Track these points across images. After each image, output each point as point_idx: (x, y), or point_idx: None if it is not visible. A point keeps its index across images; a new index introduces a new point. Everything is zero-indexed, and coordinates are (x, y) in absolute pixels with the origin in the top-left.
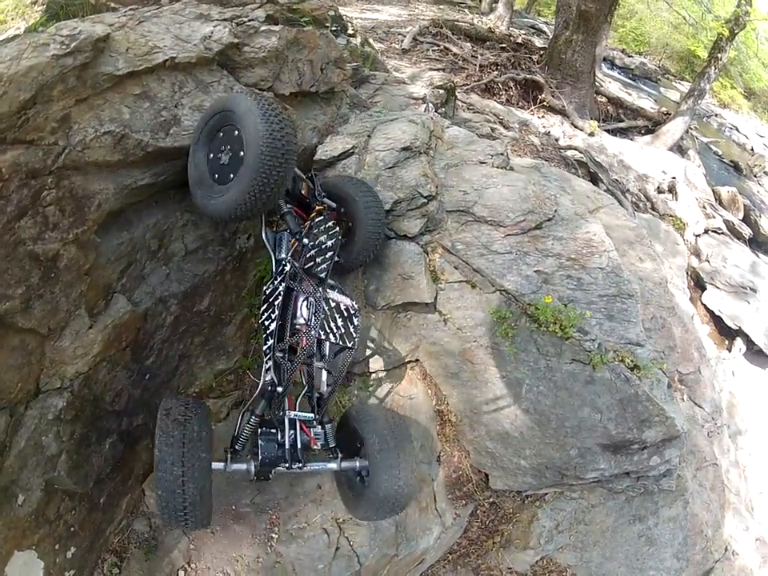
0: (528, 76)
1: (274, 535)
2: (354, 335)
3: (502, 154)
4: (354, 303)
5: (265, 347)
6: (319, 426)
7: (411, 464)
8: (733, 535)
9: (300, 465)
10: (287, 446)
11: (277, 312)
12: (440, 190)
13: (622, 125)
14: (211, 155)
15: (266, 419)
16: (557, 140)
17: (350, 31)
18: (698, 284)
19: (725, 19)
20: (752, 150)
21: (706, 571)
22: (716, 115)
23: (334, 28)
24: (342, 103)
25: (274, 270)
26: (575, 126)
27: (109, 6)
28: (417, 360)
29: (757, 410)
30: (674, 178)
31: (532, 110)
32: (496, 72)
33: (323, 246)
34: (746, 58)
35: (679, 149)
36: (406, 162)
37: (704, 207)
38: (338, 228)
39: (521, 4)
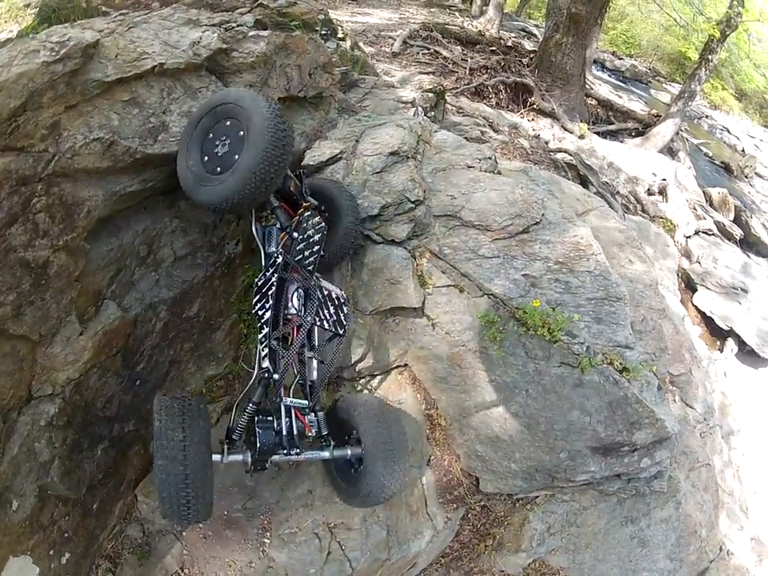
0: (518, 79)
1: (266, 540)
2: (345, 323)
3: (490, 158)
4: (343, 293)
5: (260, 335)
6: (313, 414)
7: (405, 449)
8: (728, 535)
9: (298, 451)
10: (284, 433)
11: (271, 301)
12: (428, 195)
13: (612, 127)
14: (206, 145)
15: (262, 408)
16: (547, 143)
17: (340, 35)
18: (689, 285)
19: (716, 21)
20: (743, 151)
21: (701, 571)
22: (707, 117)
23: (323, 32)
24: (330, 108)
25: (264, 263)
26: (565, 129)
27: (100, 9)
28: (405, 364)
29: (749, 410)
30: (664, 179)
31: (522, 113)
32: (486, 75)
33: (311, 240)
34: (738, 59)
35: (669, 151)
36: (394, 166)
37: (694, 209)
38: (324, 224)
39: (511, 7)
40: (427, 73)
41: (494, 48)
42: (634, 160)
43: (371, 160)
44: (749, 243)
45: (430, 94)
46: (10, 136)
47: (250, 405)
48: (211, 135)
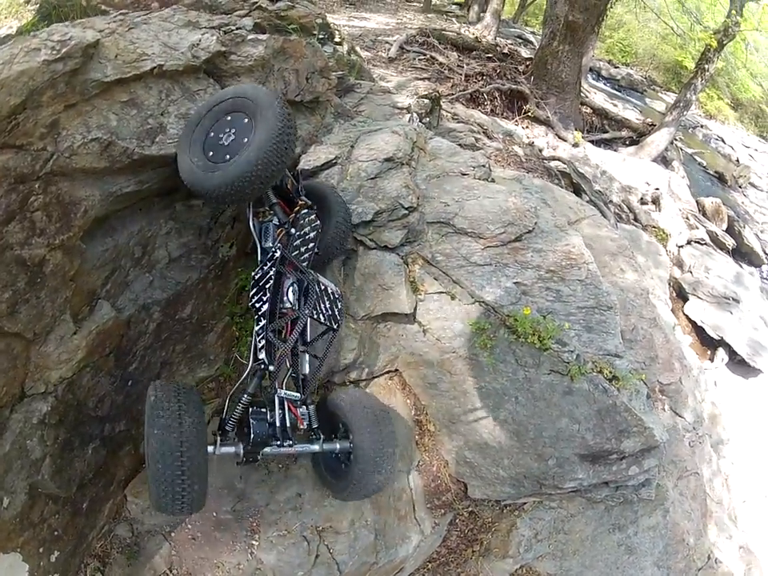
0: (513, 86)
1: (254, 542)
2: (339, 318)
3: (483, 166)
4: (337, 289)
5: (257, 328)
6: (304, 407)
7: (393, 444)
8: (716, 543)
9: (291, 443)
10: (278, 425)
11: (268, 294)
12: (421, 202)
13: (606, 136)
14: (212, 134)
15: (256, 400)
16: (541, 151)
17: (337, 39)
18: (680, 295)
19: (714, 30)
20: (737, 160)
21: None
22: (702, 126)
23: (321, 36)
24: (326, 113)
25: (260, 257)
26: (559, 137)
27: (100, 8)
28: (396, 370)
29: (739, 420)
30: (657, 189)
31: (517, 121)
32: (481, 82)
33: (307, 237)
34: (734, 68)
35: (663, 160)
36: (388, 172)
37: (687, 218)
38: (319, 221)
39: (508, 14)
40: (423, 79)
41: (490, 55)
42: (628, 169)
43: (366, 166)
44: (741, 253)
45: (426, 100)
46: (10, 134)
47: (245, 396)
48: (212, 134)
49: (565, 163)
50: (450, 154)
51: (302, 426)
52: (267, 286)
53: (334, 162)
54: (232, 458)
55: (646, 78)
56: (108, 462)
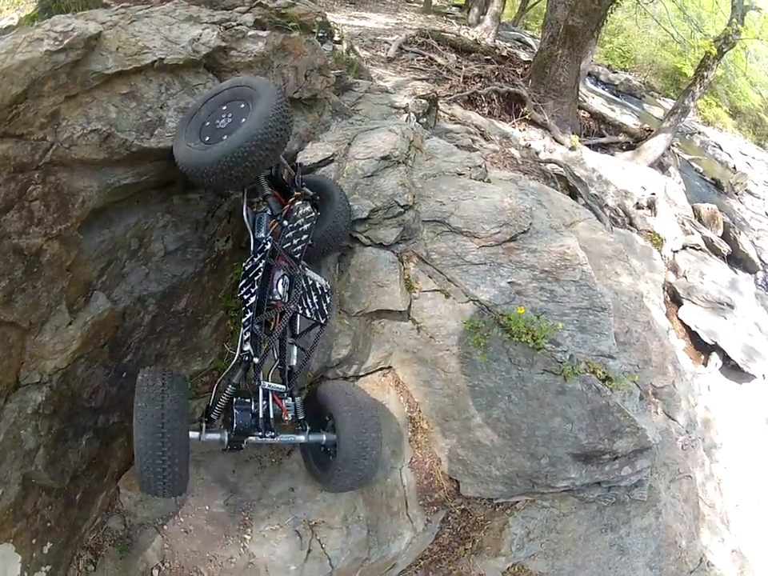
0: (511, 89)
1: (246, 536)
2: (327, 313)
3: (480, 166)
4: (327, 283)
5: (244, 319)
6: (290, 399)
7: (378, 438)
8: (708, 547)
9: (273, 434)
10: (261, 416)
11: (257, 287)
12: (417, 200)
13: (603, 140)
14: (208, 123)
15: (241, 390)
16: (537, 153)
17: (337, 38)
18: (675, 299)
19: (714, 38)
20: (734, 168)
21: None
22: (699, 133)
23: (320, 34)
24: (324, 110)
25: (252, 248)
26: (556, 140)
27: (100, 1)
28: (390, 367)
29: (732, 425)
30: (653, 194)
31: (514, 123)
32: (479, 84)
33: (300, 229)
34: (734, 76)
35: (660, 165)
36: (385, 171)
37: (683, 224)
38: (313, 213)
39: (508, 17)
40: (421, 79)
41: (488, 57)
42: (624, 173)
43: (362, 163)
44: (736, 259)
45: (423, 101)
46: (10, 123)
47: (230, 386)
48: (208, 123)
49: (561, 166)
50: (446, 153)
51: (286, 418)
52: (256, 278)
53: (330, 159)
54: (217, 444)
55: (644, 84)
56: (101, 453)
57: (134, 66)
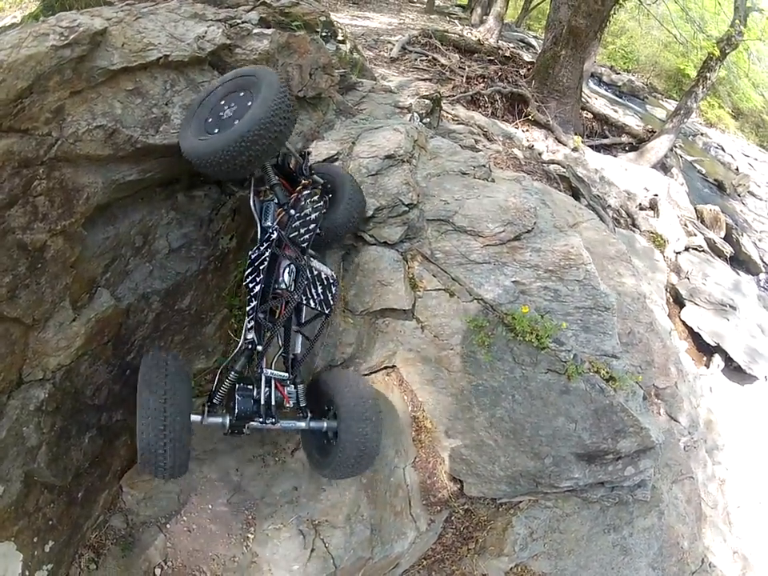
0: (514, 89)
1: (250, 535)
2: (332, 303)
3: (484, 166)
4: (332, 273)
5: (248, 308)
6: (292, 386)
7: (379, 428)
8: (710, 548)
9: (273, 421)
10: (262, 402)
11: (262, 276)
12: (421, 199)
13: (606, 141)
14: (212, 115)
15: (244, 376)
16: (540, 154)
17: (340, 37)
18: (677, 300)
19: (717, 39)
20: (737, 169)
21: None
22: (702, 134)
23: (324, 33)
24: (328, 109)
25: (259, 236)
26: (559, 141)
27: None
28: (394, 366)
29: (734, 426)
30: (656, 195)
31: (517, 124)
32: (483, 84)
33: (307, 218)
34: (736, 77)
35: (663, 167)
36: (389, 169)
37: (685, 225)
38: (322, 202)
39: (511, 17)
40: (424, 79)
41: (492, 57)
42: (627, 174)
43: (367, 162)
44: (739, 261)
45: (427, 101)
46: (15, 117)
47: (232, 373)
48: (212, 115)
49: (564, 167)
50: (450, 153)
51: (287, 405)
52: (261, 267)
53: (335, 157)
54: (219, 428)
55: (647, 85)
56: (104, 451)
57: (140, 63)
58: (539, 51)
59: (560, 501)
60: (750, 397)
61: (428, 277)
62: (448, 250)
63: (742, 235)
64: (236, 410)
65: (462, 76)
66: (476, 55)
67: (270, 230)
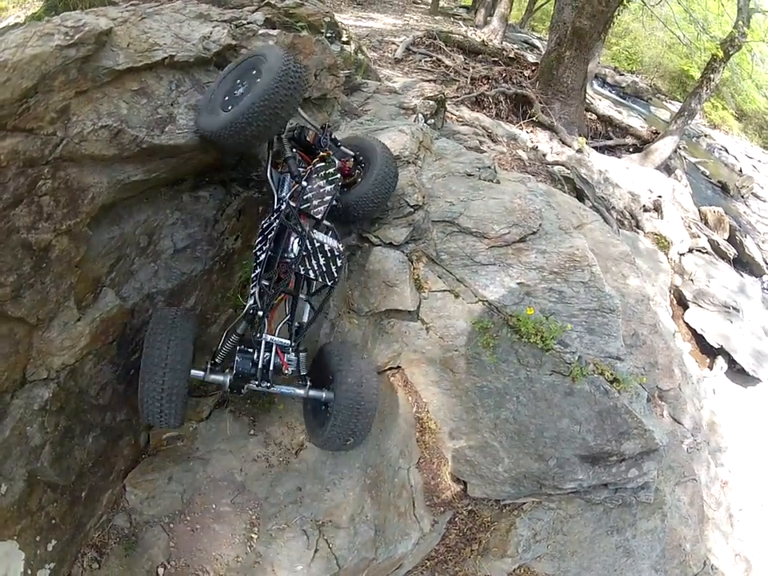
0: (518, 91)
1: (253, 535)
2: (335, 275)
3: (489, 167)
4: (339, 246)
5: (252, 275)
6: (294, 353)
7: (376, 398)
8: (712, 550)
9: (268, 384)
10: (260, 366)
11: (268, 245)
12: (427, 200)
13: (610, 142)
14: (227, 96)
15: (246, 339)
16: (544, 155)
17: (345, 38)
18: (681, 302)
19: (720, 40)
20: (740, 171)
21: None
22: (706, 136)
23: (329, 34)
24: (333, 110)
25: (274, 206)
26: (563, 142)
27: None
28: (398, 367)
29: (737, 428)
30: (660, 196)
31: (521, 125)
32: (487, 85)
33: (321, 190)
34: (740, 79)
35: (667, 168)
36: None
37: (689, 227)
38: (338, 175)
39: (515, 18)
40: (429, 80)
41: (496, 58)
42: (631, 176)
43: None
44: (742, 263)
45: (431, 102)
46: (20, 117)
47: (233, 335)
48: (227, 97)
49: (568, 168)
50: (455, 154)
51: (286, 371)
52: (269, 237)
53: None
54: (220, 385)
55: (651, 86)
56: (108, 451)
57: (145, 63)
58: (543, 52)
59: (563, 502)
60: (752, 399)
61: (433, 278)
62: (453, 252)
63: (746, 237)
64: (235, 370)
65: (467, 77)
66: (480, 56)
67: (281, 201)
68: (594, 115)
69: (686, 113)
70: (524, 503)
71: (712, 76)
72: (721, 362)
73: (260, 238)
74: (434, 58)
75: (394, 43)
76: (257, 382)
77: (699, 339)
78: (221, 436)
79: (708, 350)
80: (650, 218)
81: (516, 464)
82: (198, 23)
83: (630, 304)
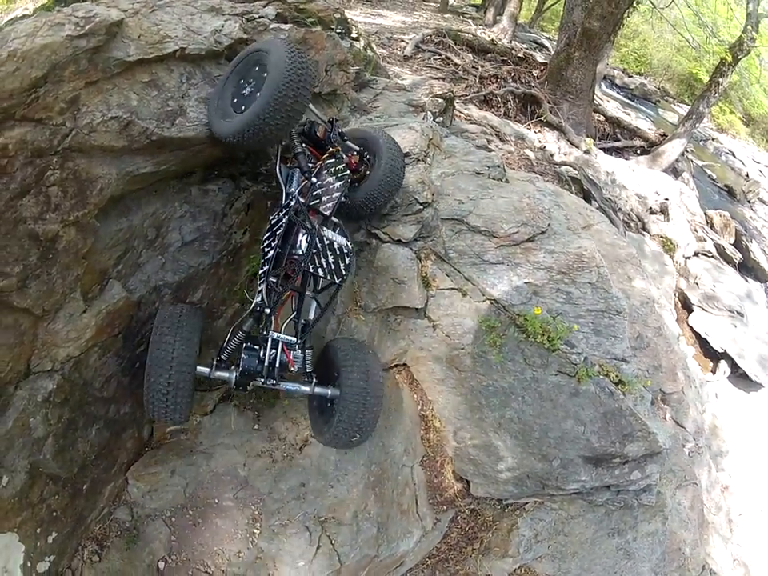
0: (527, 90)
1: (255, 531)
2: (344, 273)
3: (498, 166)
4: (348, 243)
5: (260, 271)
6: (300, 351)
7: (380, 396)
8: (711, 554)
9: (274, 382)
10: (266, 363)
11: (277, 241)
12: (436, 198)
13: (618, 144)
14: (235, 98)
15: (252, 336)
16: (552, 155)
17: (354, 35)
18: (685, 305)
19: (729, 44)
20: (747, 175)
21: None
22: (713, 139)
23: (338, 30)
24: (343, 106)
25: (282, 202)
26: (571, 143)
27: None
28: (404, 364)
29: (739, 433)
30: (666, 199)
31: (529, 125)
32: (495, 84)
33: (331, 186)
34: (748, 83)
35: (674, 171)
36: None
37: (695, 230)
38: (348, 171)
39: (525, 18)
40: (438, 78)
41: (505, 58)
42: (638, 178)
43: None
44: (747, 268)
45: (440, 100)
46: (29, 106)
47: (240, 332)
48: (236, 101)
49: (576, 169)
50: (464, 153)
51: (292, 368)
52: (278, 233)
53: None
54: (225, 381)
55: (659, 89)
56: (111, 444)
57: (156, 55)
58: (552, 52)
59: (565, 503)
60: (755, 404)
61: (441, 276)
62: (462, 250)
63: (752, 242)
64: (240, 367)
65: (475, 76)
66: (489, 55)
67: (290, 197)
68: (602, 116)
69: (693, 116)
70: (526, 503)
71: (720, 80)
72: (724, 366)
73: (268, 234)
74: (443, 56)
75: (403, 41)
76: (263, 380)
77: (703, 343)
78: (225, 430)
79: (711, 354)
80: (656, 221)
81: (519, 464)
82: (210, 16)
83: (635, 306)
